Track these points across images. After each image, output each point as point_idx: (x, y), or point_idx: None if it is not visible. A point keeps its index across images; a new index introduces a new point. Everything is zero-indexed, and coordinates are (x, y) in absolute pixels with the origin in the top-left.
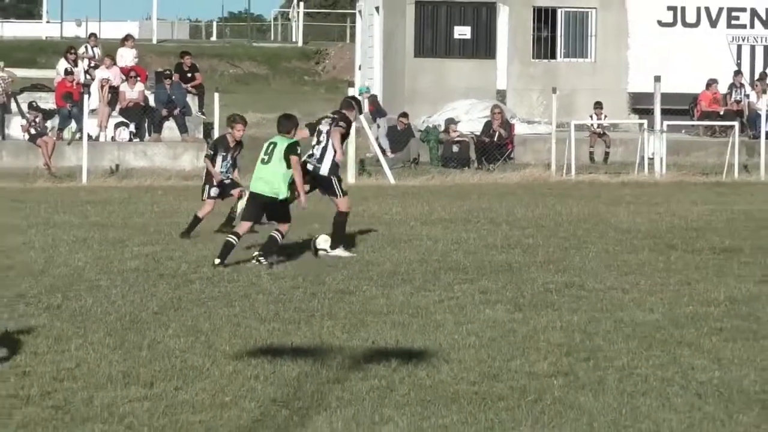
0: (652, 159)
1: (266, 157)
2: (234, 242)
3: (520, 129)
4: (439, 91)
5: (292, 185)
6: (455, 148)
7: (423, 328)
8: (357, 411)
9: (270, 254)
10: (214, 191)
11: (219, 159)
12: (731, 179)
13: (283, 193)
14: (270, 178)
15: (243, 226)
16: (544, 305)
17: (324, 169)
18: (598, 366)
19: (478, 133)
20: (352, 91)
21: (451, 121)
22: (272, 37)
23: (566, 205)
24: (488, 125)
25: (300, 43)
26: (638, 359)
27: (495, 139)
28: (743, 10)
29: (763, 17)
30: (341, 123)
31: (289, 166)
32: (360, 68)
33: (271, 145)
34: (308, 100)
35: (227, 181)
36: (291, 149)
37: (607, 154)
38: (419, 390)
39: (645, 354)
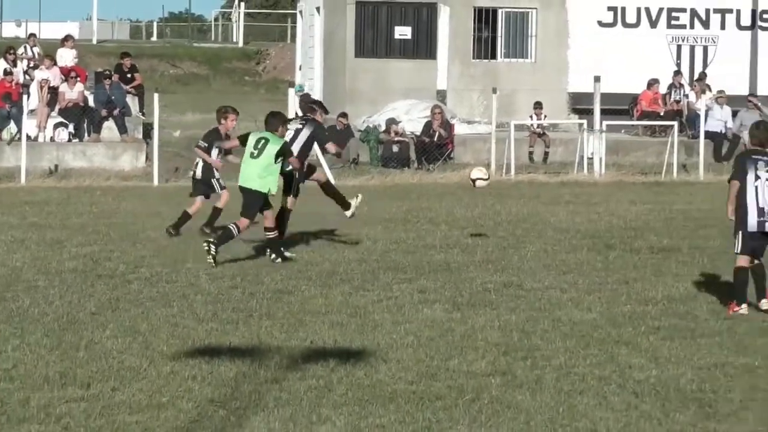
0: (592, 159)
1: (255, 152)
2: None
3: (460, 129)
4: (379, 91)
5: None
6: (395, 148)
7: (361, 328)
8: (294, 411)
9: (221, 245)
10: (222, 181)
11: (214, 152)
12: (670, 179)
13: (273, 189)
14: (260, 172)
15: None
16: (483, 304)
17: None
18: (536, 365)
19: (418, 134)
20: (292, 92)
21: (392, 122)
22: (213, 38)
23: (505, 204)
24: (428, 125)
25: (240, 44)
26: (576, 358)
27: (435, 139)
28: (683, 10)
29: (703, 18)
30: (326, 133)
31: (276, 162)
32: (300, 68)
33: (262, 140)
34: (249, 100)
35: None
36: (286, 151)
37: (546, 154)
38: (357, 389)
39: (582, 353)
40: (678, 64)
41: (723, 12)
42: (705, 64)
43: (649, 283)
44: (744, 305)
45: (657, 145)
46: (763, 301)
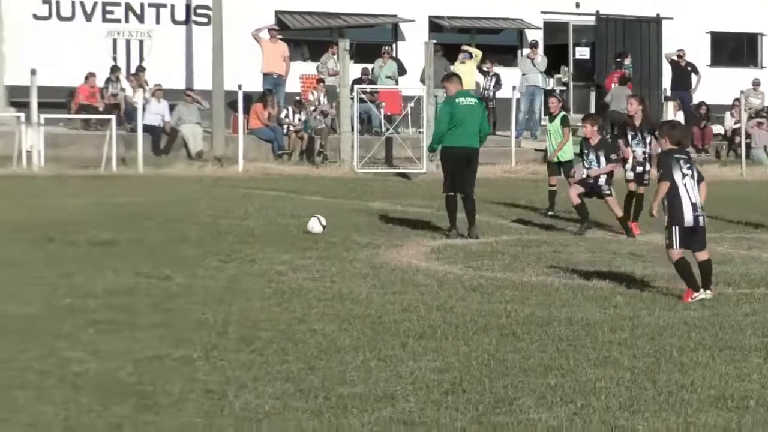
0: (30, 152)
1: None
2: None
3: None
4: None
5: None
6: None
7: None
8: None
9: None
10: None
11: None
12: (109, 172)
13: None
14: None
15: None
16: None
17: None
18: None
19: None
20: None
21: None
22: None
23: None
24: None
25: None
26: (15, 352)
27: None
28: (117, 4)
29: (138, 12)
30: None
31: None
32: None
33: None
34: None
35: None
36: None
37: None
38: None
39: (21, 347)
40: (114, 58)
41: (158, 6)
42: (141, 58)
43: (88, 277)
44: (701, 290)
45: (96, 139)
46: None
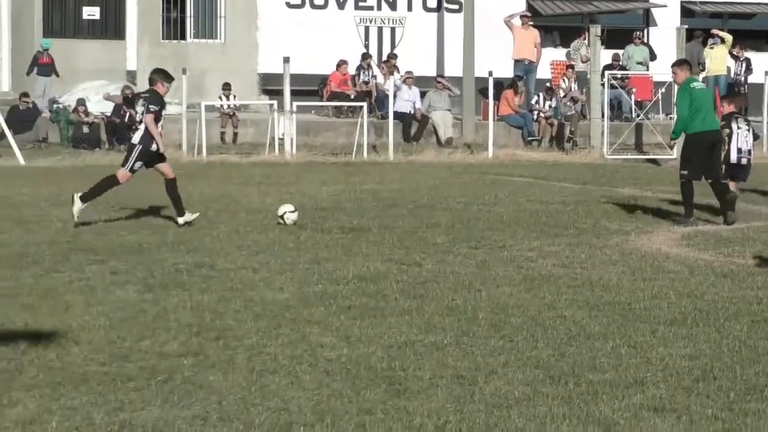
0: (283, 139)
1: None
2: None
3: None
4: (68, 71)
5: None
6: (86, 129)
7: (53, 310)
8: None
9: None
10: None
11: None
12: (360, 159)
13: None
14: None
15: None
16: (174, 285)
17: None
18: (228, 345)
19: (109, 114)
20: None
21: (81, 102)
22: None
23: (197, 185)
24: (118, 106)
25: None
26: (267, 338)
27: (126, 120)
28: None
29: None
30: (151, 106)
31: None
32: None
33: None
34: None
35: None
36: None
37: (236, 134)
38: (48, 372)
39: (274, 333)
40: (366, 45)
41: None
42: (393, 46)
43: (340, 263)
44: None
45: (347, 126)
46: None
